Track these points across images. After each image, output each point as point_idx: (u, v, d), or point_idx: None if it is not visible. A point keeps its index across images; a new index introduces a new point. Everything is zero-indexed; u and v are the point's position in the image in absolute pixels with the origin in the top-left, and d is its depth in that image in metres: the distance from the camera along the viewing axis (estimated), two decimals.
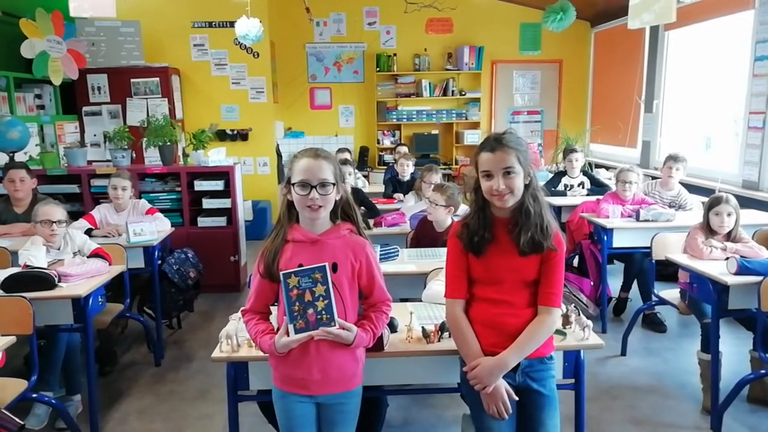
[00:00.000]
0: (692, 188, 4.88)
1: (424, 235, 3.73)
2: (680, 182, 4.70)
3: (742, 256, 3.02)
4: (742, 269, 2.88)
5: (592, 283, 4.39)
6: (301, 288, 1.75)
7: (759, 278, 2.78)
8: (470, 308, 1.99)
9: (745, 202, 4.43)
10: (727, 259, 3.02)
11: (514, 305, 1.92)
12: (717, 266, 3.04)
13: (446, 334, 2.21)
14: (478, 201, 1.94)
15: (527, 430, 1.95)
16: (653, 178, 5.08)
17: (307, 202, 1.80)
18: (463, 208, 4.51)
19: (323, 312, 1.77)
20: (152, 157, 5.65)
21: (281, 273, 1.76)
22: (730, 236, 3.29)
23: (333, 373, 1.87)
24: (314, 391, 1.88)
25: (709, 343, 3.06)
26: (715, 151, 5.77)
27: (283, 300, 1.78)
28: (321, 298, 1.76)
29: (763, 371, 2.88)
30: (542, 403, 1.94)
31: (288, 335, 1.78)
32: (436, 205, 3.55)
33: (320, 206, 1.81)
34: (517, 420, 1.95)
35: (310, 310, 1.76)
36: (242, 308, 2.00)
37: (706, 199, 3.45)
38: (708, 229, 3.31)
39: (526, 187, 1.89)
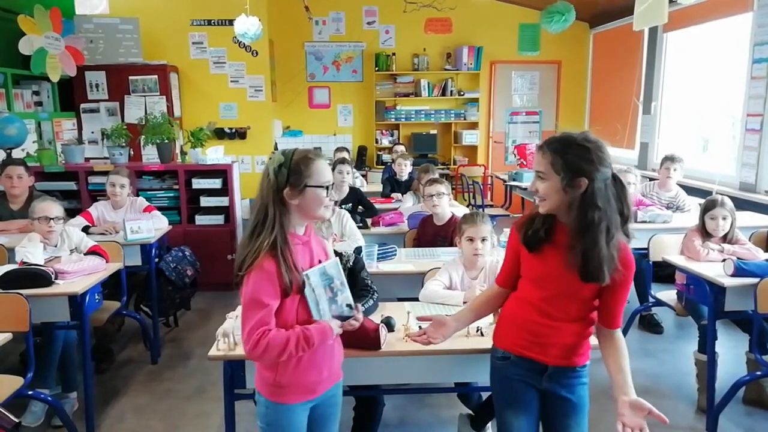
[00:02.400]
0: (690, 190, 4.88)
1: (425, 232, 3.74)
2: (678, 183, 4.70)
3: (738, 258, 3.03)
4: (739, 271, 2.89)
5: None
6: (323, 285, 1.75)
7: (755, 280, 2.78)
8: (512, 302, 1.92)
9: (742, 204, 4.44)
10: (724, 260, 3.03)
11: (557, 318, 1.82)
12: (714, 268, 3.05)
13: None
14: None
15: None
16: (651, 179, 5.08)
17: (326, 202, 1.75)
18: (461, 208, 4.53)
19: (346, 302, 1.80)
20: (150, 155, 5.64)
21: (303, 273, 1.68)
22: (726, 238, 3.30)
23: (336, 366, 1.87)
24: (319, 392, 1.82)
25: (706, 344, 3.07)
26: (712, 153, 5.78)
27: (307, 301, 1.72)
28: (339, 292, 1.78)
29: (758, 373, 2.90)
30: (568, 409, 1.91)
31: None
32: (441, 194, 3.62)
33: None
34: (543, 425, 1.93)
35: (333, 306, 1.77)
36: (262, 328, 1.63)
37: (703, 201, 3.46)
38: (704, 232, 3.31)
39: (583, 195, 1.67)
